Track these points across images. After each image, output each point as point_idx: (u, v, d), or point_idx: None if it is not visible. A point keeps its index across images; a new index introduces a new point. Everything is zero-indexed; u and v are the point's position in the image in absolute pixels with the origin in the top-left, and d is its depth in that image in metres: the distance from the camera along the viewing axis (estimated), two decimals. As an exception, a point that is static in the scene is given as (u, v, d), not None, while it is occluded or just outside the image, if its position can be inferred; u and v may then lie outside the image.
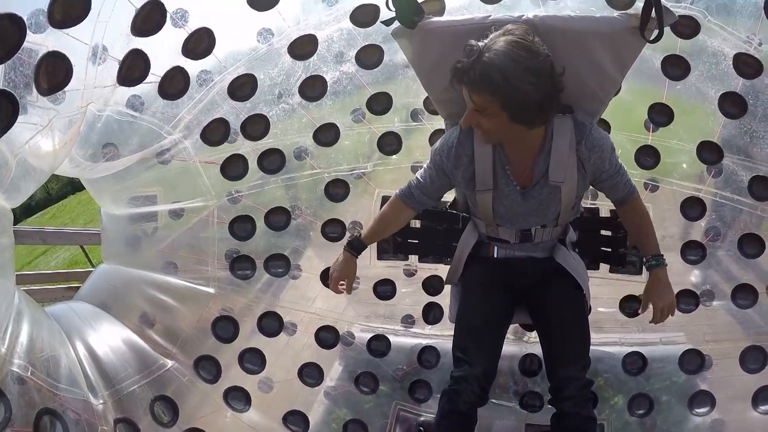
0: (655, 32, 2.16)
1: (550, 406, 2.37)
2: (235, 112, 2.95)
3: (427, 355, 3.43)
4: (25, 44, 1.84)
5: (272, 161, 3.15)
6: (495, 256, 2.54)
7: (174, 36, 2.48)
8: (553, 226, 2.43)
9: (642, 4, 2.12)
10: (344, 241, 2.89)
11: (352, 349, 3.44)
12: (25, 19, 1.83)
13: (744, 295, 3.03)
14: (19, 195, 2.26)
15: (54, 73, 2.02)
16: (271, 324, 3.26)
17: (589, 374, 2.34)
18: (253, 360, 3.20)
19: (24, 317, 2.43)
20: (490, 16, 2.25)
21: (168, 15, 2.35)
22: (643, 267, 2.86)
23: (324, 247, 3.33)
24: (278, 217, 3.24)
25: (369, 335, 3.44)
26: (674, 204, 3.10)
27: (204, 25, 2.53)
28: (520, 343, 3.41)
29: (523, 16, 2.19)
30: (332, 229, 3.32)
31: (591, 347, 2.38)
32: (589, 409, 2.30)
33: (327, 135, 3.16)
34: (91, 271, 3.63)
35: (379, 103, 3.14)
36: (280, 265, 3.28)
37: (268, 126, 3.02)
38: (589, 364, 2.35)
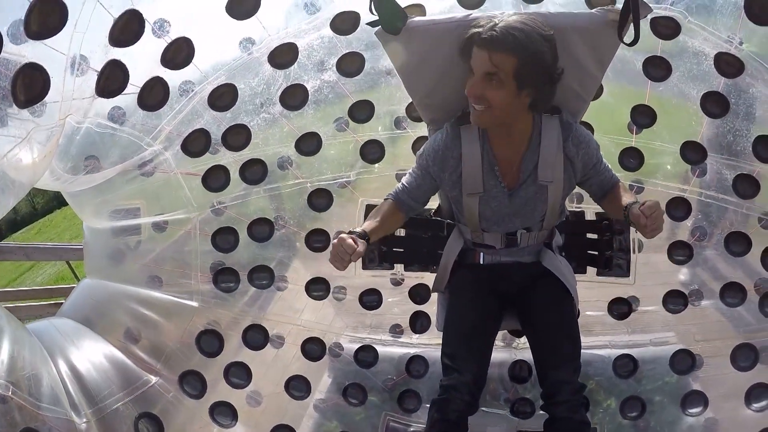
0: (632, 37, 2.17)
1: (541, 413, 2.33)
2: (216, 123, 2.92)
3: (415, 364, 3.40)
4: (3, 55, 1.82)
5: (254, 171, 3.12)
6: (481, 262, 2.52)
7: (155, 46, 2.45)
8: (538, 230, 2.41)
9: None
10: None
11: (340, 360, 3.41)
12: (3, 30, 1.81)
13: (732, 293, 3.04)
14: (-2, 208, 2.22)
15: (31, 86, 1.99)
16: (256, 337, 3.22)
17: (580, 378, 2.31)
18: (239, 374, 3.15)
19: (5, 335, 2.40)
20: (471, 14, 2.27)
21: (148, 25, 2.33)
22: (630, 269, 2.87)
23: (310, 257, 3.30)
24: (261, 228, 3.21)
25: (357, 346, 3.41)
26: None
27: (183, 35, 2.50)
28: (509, 349, 3.39)
29: (504, 13, 2.19)
30: (317, 239, 3.28)
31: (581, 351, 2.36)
32: (582, 414, 2.27)
33: (309, 144, 3.14)
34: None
35: (362, 111, 3.13)
36: (264, 277, 3.25)
37: (250, 136, 3.00)
38: (581, 368, 2.32)
